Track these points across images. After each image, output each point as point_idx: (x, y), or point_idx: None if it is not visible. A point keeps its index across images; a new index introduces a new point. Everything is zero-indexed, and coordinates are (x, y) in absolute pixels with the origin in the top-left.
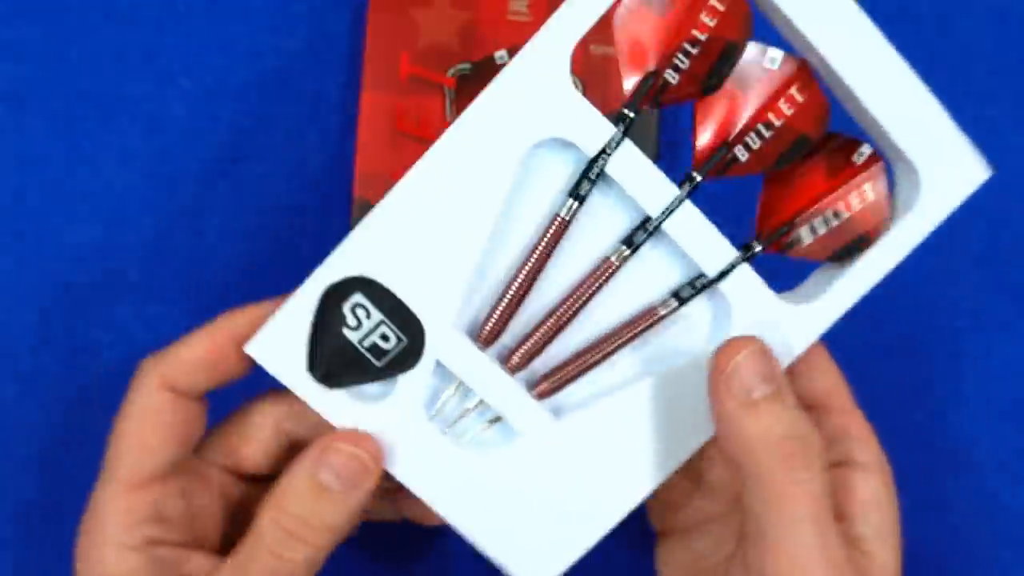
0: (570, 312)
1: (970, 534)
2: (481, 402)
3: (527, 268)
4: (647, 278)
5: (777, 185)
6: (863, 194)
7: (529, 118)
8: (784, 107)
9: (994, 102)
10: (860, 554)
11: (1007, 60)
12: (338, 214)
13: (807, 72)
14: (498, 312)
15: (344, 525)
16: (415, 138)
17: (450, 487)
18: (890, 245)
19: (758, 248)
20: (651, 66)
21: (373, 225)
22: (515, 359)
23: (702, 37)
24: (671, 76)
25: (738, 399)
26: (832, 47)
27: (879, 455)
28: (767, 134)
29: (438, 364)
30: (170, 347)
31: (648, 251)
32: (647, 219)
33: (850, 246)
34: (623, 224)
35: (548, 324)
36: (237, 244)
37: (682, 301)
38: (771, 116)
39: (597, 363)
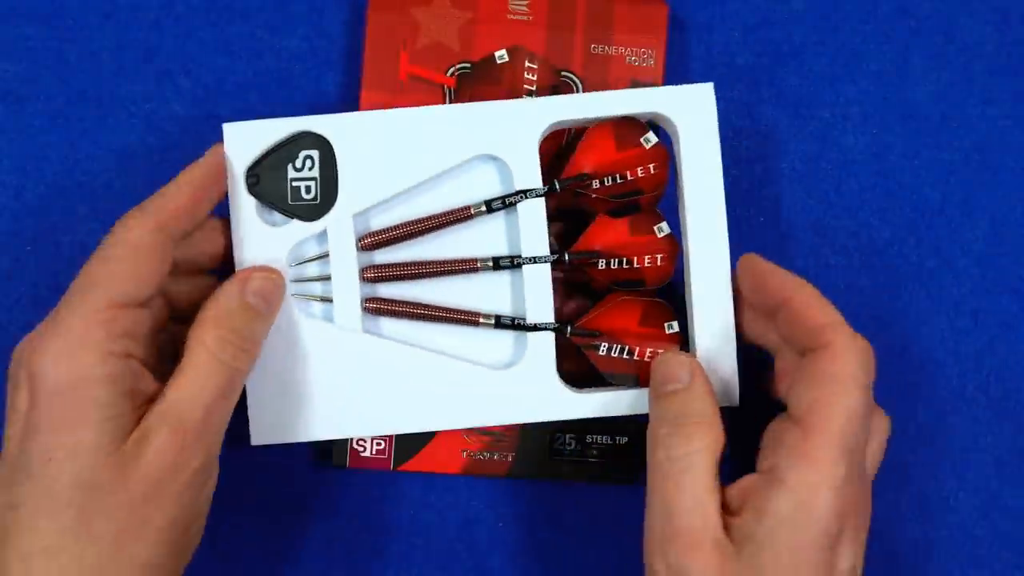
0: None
1: (970, 534)
2: (329, 278)
3: (424, 220)
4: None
5: (602, 307)
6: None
7: (503, 139)
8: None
9: (994, 102)
10: (729, 543)
11: (1007, 60)
12: None
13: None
14: (385, 232)
15: (264, 339)
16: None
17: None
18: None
19: (567, 330)
20: (590, 170)
21: (360, 120)
22: (371, 267)
23: (629, 177)
24: (596, 183)
25: (653, 391)
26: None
27: (809, 483)
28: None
29: (324, 233)
30: (158, 197)
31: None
32: (518, 255)
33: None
34: (504, 243)
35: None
36: None
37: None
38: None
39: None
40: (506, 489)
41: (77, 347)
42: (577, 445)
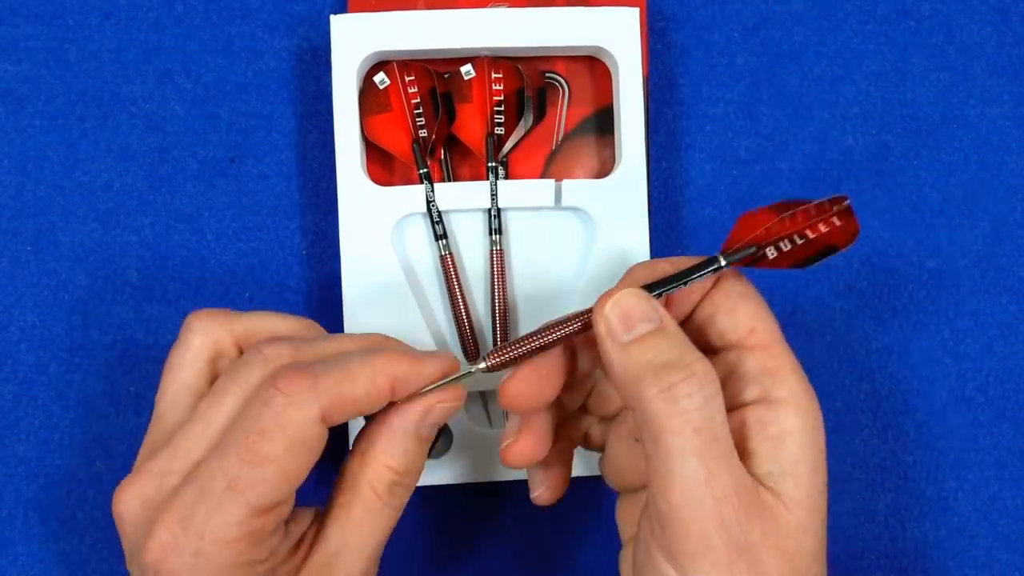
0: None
1: (970, 534)
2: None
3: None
4: None
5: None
6: (830, 221)
7: None
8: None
9: (994, 102)
10: (767, 491)
11: (1007, 60)
12: (337, 214)
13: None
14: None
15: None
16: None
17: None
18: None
19: (723, 263)
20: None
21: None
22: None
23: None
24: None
25: (617, 340)
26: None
27: (798, 390)
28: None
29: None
30: (331, 377)
31: None
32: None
33: (816, 255)
34: None
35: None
36: (237, 244)
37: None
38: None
39: (539, 350)
40: (507, 486)
41: (212, 550)
42: None
